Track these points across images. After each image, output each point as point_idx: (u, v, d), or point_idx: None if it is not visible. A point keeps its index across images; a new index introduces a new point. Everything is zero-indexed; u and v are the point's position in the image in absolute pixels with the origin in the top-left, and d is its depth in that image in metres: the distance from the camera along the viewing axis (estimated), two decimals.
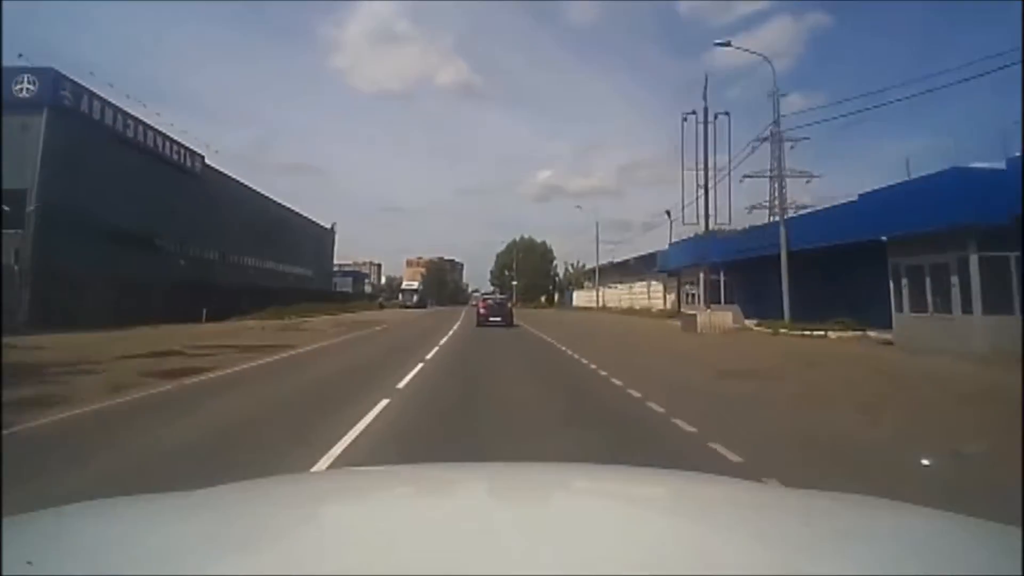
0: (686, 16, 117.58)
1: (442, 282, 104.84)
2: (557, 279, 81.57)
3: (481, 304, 22.82)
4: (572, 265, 76.65)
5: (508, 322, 21.15)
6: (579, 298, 62.42)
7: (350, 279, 70.67)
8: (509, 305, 23.23)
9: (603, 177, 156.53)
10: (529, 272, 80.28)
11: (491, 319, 21.13)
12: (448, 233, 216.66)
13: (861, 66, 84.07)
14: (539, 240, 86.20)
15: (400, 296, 64.29)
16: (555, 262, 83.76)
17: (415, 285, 67.84)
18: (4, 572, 0.69)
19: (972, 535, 1.00)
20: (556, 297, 74.74)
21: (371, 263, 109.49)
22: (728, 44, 20.55)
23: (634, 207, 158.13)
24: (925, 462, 3.89)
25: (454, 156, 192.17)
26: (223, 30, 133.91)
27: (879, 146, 79.85)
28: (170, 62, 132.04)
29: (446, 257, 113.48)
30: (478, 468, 1.84)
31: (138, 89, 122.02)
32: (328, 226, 59.91)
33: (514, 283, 76.33)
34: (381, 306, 54.41)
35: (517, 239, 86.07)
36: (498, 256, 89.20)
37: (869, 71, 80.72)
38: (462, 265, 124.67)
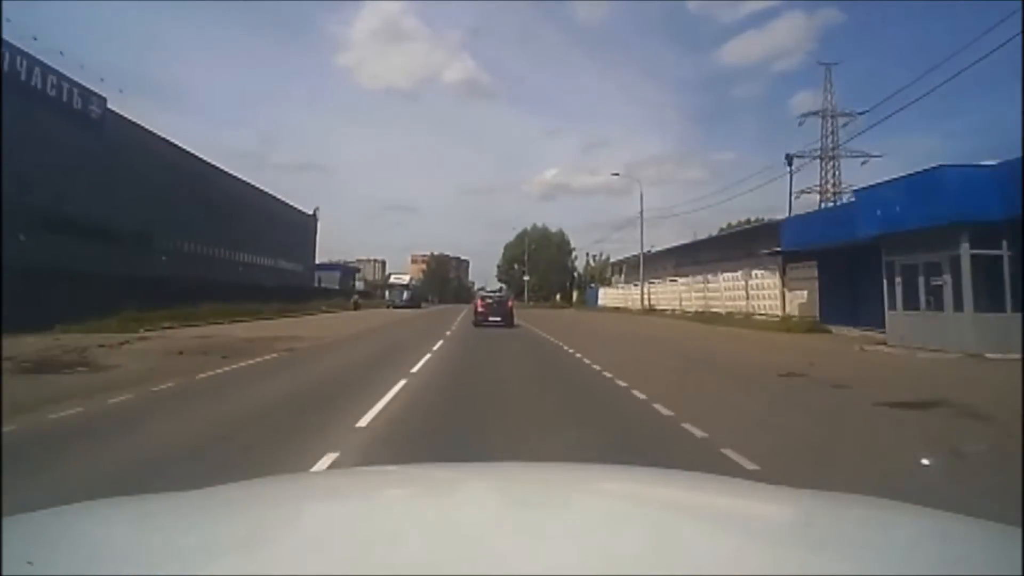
0: (695, 14, 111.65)
1: (444, 279, 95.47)
2: (576, 274, 70.78)
3: (480, 303, 22.10)
4: (594, 257, 66.21)
5: (508, 322, 20.48)
6: (606, 296, 50.69)
7: (337, 274, 59.69)
8: (509, 304, 22.51)
9: (609, 175, 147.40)
10: (543, 266, 69.32)
11: (490, 319, 20.53)
12: (454, 231, 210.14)
13: (873, 63, 78.74)
14: (554, 230, 75.17)
15: (387, 293, 50.57)
16: (574, 254, 72.85)
17: (406, 280, 54.22)
18: (4, 572, 0.68)
19: (972, 535, 0.98)
20: (575, 295, 63.84)
21: (374, 260, 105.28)
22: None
23: (637, 206, 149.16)
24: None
25: (461, 154, 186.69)
26: (229, 30, 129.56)
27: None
28: (177, 61, 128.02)
29: (452, 254, 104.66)
30: (479, 468, 1.76)
31: (142, 88, 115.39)
32: (310, 212, 49.91)
33: (526, 278, 65.51)
34: (356, 306, 40.03)
35: (528, 228, 74.91)
36: (506, 248, 77.92)
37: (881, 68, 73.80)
38: (468, 262, 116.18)
